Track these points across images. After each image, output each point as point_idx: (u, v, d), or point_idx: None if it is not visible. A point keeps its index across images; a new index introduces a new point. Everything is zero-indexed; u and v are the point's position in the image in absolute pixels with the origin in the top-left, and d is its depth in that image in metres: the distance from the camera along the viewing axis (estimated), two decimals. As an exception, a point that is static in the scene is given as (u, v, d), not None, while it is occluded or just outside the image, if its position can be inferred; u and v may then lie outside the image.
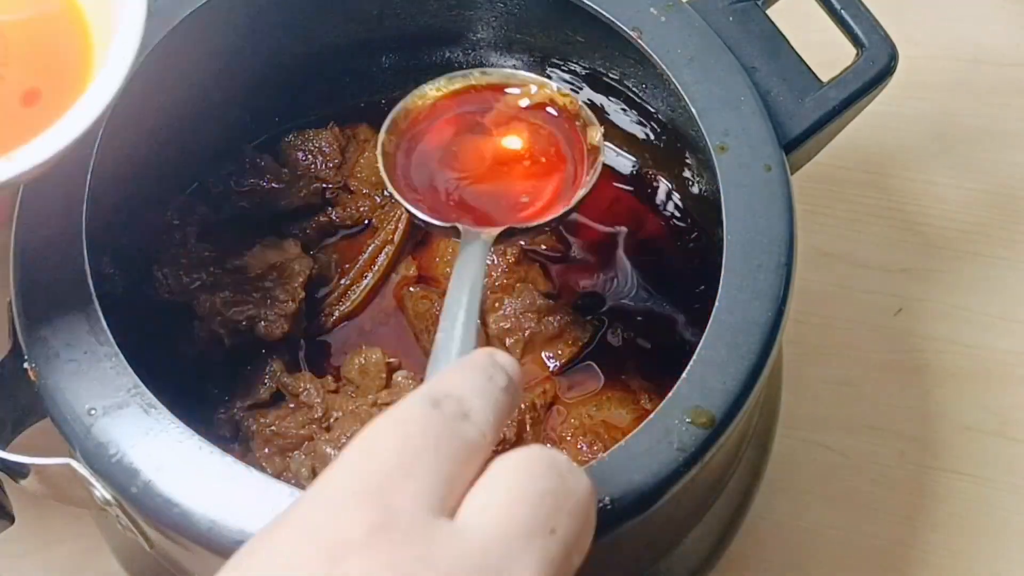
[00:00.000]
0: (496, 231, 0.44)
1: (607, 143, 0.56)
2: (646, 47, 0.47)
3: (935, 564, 0.55)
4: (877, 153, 0.65)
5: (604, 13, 0.48)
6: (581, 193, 0.46)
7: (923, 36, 0.68)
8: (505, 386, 0.33)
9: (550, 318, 0.51)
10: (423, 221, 0.46)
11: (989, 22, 0.69)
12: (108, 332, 0.42)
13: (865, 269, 0.62)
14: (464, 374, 0.33)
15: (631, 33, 0.48)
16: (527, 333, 0.51)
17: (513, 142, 0.49)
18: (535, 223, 0.46)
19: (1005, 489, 0.57)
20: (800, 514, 0.56)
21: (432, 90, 0.49)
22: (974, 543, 0.56)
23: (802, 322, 0.60)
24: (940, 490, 0.57)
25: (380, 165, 0.47)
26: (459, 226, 0.44)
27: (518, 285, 0.52)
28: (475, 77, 0.49)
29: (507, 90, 0.49)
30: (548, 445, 0.50)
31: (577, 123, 0.48)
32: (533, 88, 0.49)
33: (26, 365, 0.42)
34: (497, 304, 0.52)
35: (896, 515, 0.56)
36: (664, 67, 0.47)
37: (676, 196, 0.55)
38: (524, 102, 0.49)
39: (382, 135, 0.47)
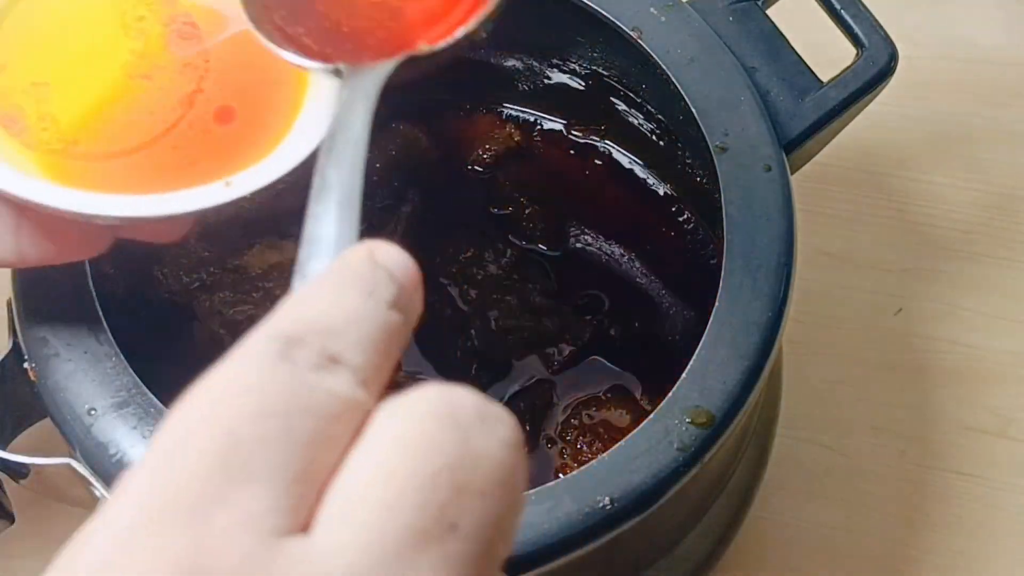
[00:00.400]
0: (390, 64, 0.34)
1: (608, 143, 0.56)
2: (646, 47, 0.47)
3: (936, 565, 0.55)
4: (877, 153, 0.65)
5: (604, 13, 0.48)
6: None
7: (923, 36, 0.68)
8: (392, 300, 0.23)
9: (550, 318, 0.51)
10: (296, 64, 0.35)
11: (989, 22, 0.69)
12: (108, 332, 0.42)
13: (865, 269, 0.62)
14: (331, 292, 0.23)
15: (631, 33, 0.48)
16: (527, 333, 0.51)
17: None
18: (443, 43, 0.35)
19: (1006, 489, 0.57)
20: (800, 514, 0.56)
21: None
22: (975, 543, 0.56)
23: (802, 322, 0.60)
24: (941, 490, 0.57)
25: None
26: (342, 67, 0.34)
27: (518, 285, 0.52)
28: None
29: None
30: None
31: None
32: None
33: (26, 365, 0.42)
34: (497, 304, 0.52)
35: (897, 515, 0.56)
36: (664, 67, 0.47)
37: (676, 196, 0.55)
38: None
39: None
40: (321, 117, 0.38)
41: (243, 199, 0.37)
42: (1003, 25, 0.69)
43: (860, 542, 0.56)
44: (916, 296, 0.61)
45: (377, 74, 0.33)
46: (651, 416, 0.40)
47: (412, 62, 0.34)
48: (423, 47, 0.35)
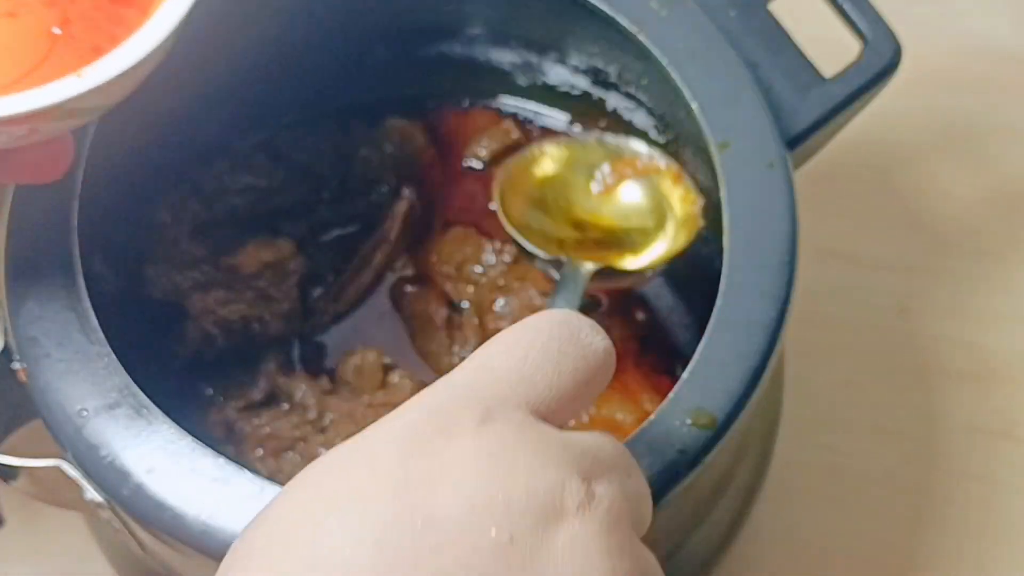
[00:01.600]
0: (596, 266, 0.48)
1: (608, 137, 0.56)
2: (646, 42, 0.47)
3: (940, 568, 0.55)
4: (881, 149, 0.65)
5: (604, 7, 0.48)
6: (667, 249, 0.50)
7: (928, 30, 0.67)
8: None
9: (549, 318, 0.51)
10: (530, 251, 0.50)
11: (995, 16, 0.68)
12: (100, 331, 0.41)
13: (869, 268, 0.62)
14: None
15: (631, 28, 0.47)
16: (526, 333, 0.51)
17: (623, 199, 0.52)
18: (633, 267, 0.50)
19: (1012, 491, 0.56)
20: (803, 517, 0.56)
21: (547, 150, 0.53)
22: (981, 546, 0.55)
23: (805, 322, 0.59)
24: (945, 492, 0.56)
25: (496, 199, 0.51)
26: (562, 258, 0.49)
27: (517, 284, 0.52)
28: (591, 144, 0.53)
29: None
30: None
31: (678, 188, 0.51)
32: (639, 163, 0.52)
33: (16, 365, 0.42)
34: (495, 303, 0.51)
35: (900, 518, 0.56)
36: (665, 62, 0.47)
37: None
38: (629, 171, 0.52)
39: (502, 175, 0.52)
40: (171, 13, 0.38)
41: (98, 89, 0.36)
42: (1010, 18, 0.69)
43: (863, 544, 0.55)
44: (921, 295, 0.61)
45: (588, 270, 0.48)
46: (652, 417, 0.40)
47: (607, 272, 0.49)
48: (616, 266, 0.49)
